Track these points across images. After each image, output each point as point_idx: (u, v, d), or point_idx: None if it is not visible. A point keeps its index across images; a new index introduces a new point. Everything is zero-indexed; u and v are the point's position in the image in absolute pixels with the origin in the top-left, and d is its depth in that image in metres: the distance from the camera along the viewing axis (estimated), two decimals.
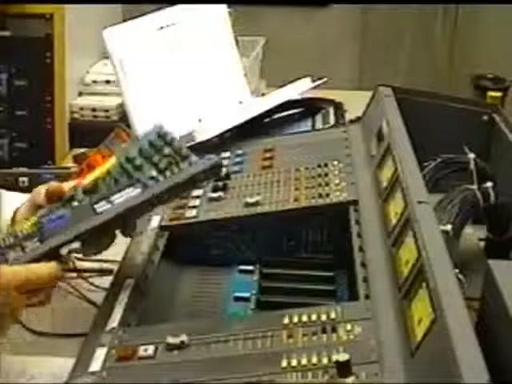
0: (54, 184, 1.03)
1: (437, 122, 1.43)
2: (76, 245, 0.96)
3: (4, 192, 1.19)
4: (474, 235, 1.31)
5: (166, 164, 0.99)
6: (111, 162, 1.02)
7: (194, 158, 0.98)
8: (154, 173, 0.98)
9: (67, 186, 1.03)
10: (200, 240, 1.15)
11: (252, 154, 1.38)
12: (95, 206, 0.98)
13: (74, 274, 1.18)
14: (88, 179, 1.02)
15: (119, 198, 0.98)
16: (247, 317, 1.00)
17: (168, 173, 0.98)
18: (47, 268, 0.89)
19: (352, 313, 0.88)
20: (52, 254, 0.94)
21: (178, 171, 0.98)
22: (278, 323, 0.88)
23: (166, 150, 1.00)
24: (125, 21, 1.68)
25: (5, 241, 0.97)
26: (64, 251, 0.96)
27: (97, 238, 0.97)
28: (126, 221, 0.99)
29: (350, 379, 0.75)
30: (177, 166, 0.98)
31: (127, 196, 0.98)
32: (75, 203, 0.99)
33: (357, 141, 1.35)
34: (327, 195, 1.16)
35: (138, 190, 0.98)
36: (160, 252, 1.10)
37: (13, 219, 1.09)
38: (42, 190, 1.03)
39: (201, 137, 1.48)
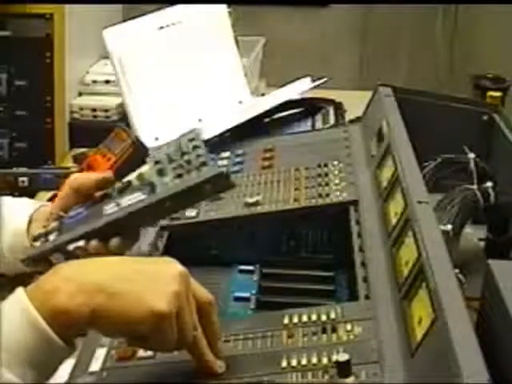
0: (78, 180, 1.08)
1: (437, 122, 1.43)
2: (81, 243, 0.98)
3: (10, 199, 1.19)
4: (474, 235, 1.31)
5: (182, 171, 0.97)
6: (146, 165, 1.01)
7: (204, 168, 0.95)
8: (167, 179, 0.97)
9: (94, 177, 1.07)
10: (200, 240, 1.15)
11: (252, 154, 1.38)
12: (105, 207, 1.00)
13: None
14: (125, 180, 1.02)
15: (126, 202, 0.98)
16: (247, 317, 1.00)
17: (178, 180, 0.96)
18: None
19: (352, 313, 0.88)
20: (60, 250, 0.99)
21: (185, 179, 0.96)
22: (278, 323, 0.88)
23: (186, 157, 0.97)
24: (125, 21, 1.68)
25: (39, 233, 1.03)
26: (71, 247, 0.99)
27: (104, 239, 0.99)
28: (129, 225, 1.00)
29: (350, 379, 0.75)
30: (188, 174, 0.96)
31: (134, 200, 0.98)
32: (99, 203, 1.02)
33: (357, 141, 1.35)
34: (327, 195, 1.16)
35: (143, 196, 0.97)
36: (160, 252, 1.10)
37: (29, 222, 1.10)
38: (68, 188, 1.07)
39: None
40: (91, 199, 1.05)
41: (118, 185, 1.03)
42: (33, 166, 1.58)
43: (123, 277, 0.77)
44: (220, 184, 0.96)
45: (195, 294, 0.79)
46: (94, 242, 0.99)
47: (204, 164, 0.96)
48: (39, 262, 1.03)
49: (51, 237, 1.02)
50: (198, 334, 0.79)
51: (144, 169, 1.01)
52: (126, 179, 1.03)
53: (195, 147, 0.98)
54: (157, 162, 0.99)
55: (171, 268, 0.79)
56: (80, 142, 1.77)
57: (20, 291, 0.75)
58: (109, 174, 1.09)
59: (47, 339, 0.73)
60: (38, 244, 1.02)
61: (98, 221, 0.99)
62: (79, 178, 1.09)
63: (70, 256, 1.00)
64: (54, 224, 1.03)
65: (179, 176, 0.97)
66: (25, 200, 1.21)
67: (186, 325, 0.77)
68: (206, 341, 0.80)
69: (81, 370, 0.86)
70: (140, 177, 1.00)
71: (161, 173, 0.98)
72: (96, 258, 0.85)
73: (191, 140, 0.99)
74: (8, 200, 1.18)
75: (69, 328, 0.74)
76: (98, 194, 1.05)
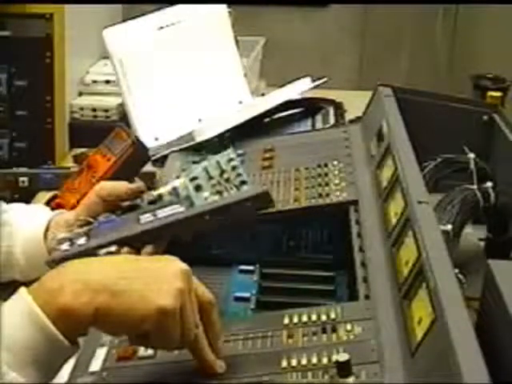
0: (106, 189, 1.08)
1: (437, 122, 1.43)
2: (113, 248, 0.99)
3: (25, 205, 1.19)
4: (474, 235, 1.31)
5: (221, 188, 1.01)
6: (179, 180, 1.05)
7: (245, 186, 1.00)
8: (206, 194, 1.01)
9: (124, 187, 1.08)
10: (200, 240, 1.14)
11: (252, 154, 1.38)
12: (141, 216, 1.02)
13: None
14: (155, 192, 1.05)
15: (163, 213, 1.00)
16: (247, 317, 1.00)
17: (217, 197, 1.00)
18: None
19: (352, 313, 0.88)
20: (90, 254, 0.97)
21: (226, 196, 1.00)
22: (278, 323, 0.88)
23: (226, 175, 1.03)
24: (125, 21, 1.68)
25: (64, 236, 1.03)
26: (102, 252, 0.99)
27: (136, 247, 1.00)
28: (164, 236, 1.01)
29: (350, 379, 0.76)
30: (228, 191, 1.00)
31: (171, 212, 1.00)
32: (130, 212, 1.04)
33: (357, 141, 1.35)
34: (327, 195, 1.16)
35: (182, 208, 1.00)
36: (160, 252, 1.10)
37: (47, 229, 1.10)
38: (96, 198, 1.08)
39: (201, 137, 1.48)
40: (118, 208, 1.07)
41: (147, 196, 1.05)
42: (33, 166, 1.58)
43: (127, 275, 0.77)
44: (261, 203, 0.99)
45: (196, 292, 0.80)
46: (126, 249, 0.99)
47: (244, 183, 1.01)
48: None
49: (80, 241, 1.01)
50: (199, 332, 0.79)
51: (177, 184, 1.04)
52: (156, 192, 1.05)
53: (234, 167, 1.04)
54: (193, 179, 1.03)
55: (174, 266, 0.80)
56: (80, 142, 1.77)
57: (23, 290, 0.75)
58: (141, 184, 1.10)
59: (52, 338, 0.73)
60: (62, 247, 1.02)
61: (134, 229, 1.00)
62: (107, 187, 1.09)
63: None
64: (80, 229, 1.03)
65: (218, 193, 1.01)
66: (40, 207, 1.21)
67: (188, 323, 0.77)
68: (207, 340, 0.81)
69: (81, 370, 0.86)
70: (173, 191, 1.03)
71: (198, 189, 1.02)
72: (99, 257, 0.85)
73: (230, 160, 1.05)
74: (21, 206, 1.18)
75: (73, 327, 0.74)
76: (126, 203, 1.05)
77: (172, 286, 0.77)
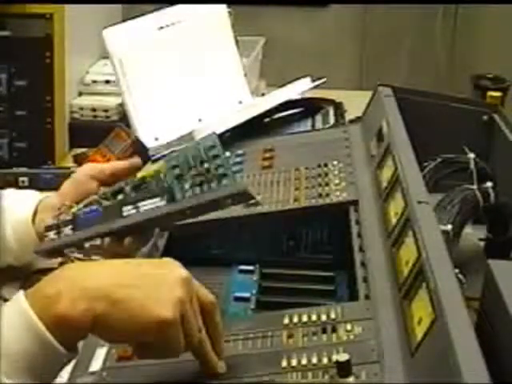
0: (96, 167, 1.11)
1: (437, 122, 1.43)
2: (97, 241, 1.00)
3: (14, 190, 1.20)
4: (474, 235, 1.30)
5: (201, 179, 0.98)
6: (162, 164, 1.02)
7: (225, 180, 0.97)
8: (187, 185, 0.99)
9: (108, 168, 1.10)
10: (200, 240, 1.14)
11: (252, 154, 1.38)
12: (123, 208, 1.01)
13: None
14: (138, 175, 1.05)
15: (145, 206, 1.00)
16: (247, 317, 1.00)
17: (198, 189, 0.98)
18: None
19: (352, 313, 0.88)
20: (76, 246, 1.01)
21: (207, 190, 0.98)
22: (278, 323, 0.88)
23: (206, 165, 0.98)
24: (125, 21, 1.68)
25: (52, 223, 1.04)
26: (86, 245, 1.01)
27: (119, 239, 1.01)
28: (146, 229, 1.03)
29: (350, 379, 0.75)
30: (208, 184, 0.98)
31: (153, 206, 1.00)
32: (107, 202, 1.03)
33: (357, 141, 1.35)
34: (327, 195, 1.16)
35: (163, 202, 0.99)
36: (160, 252, 1.10)
37: (35, 213, 1.13)
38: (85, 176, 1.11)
39: (201, 137, 1.47)
40: (105, 185, 1.08)
41: (131, 180, 1.04)
42: (33, 166, 1.58)
43: (126, 282, 0.76)
44: (241, 199, 0.99)
45: (198, 294, 0.79)
46: (108, 241, 1.00)
47: (224, 176, 0.97)
48: (53, 255, 1.04)
49: (65, 230, 1.02)
50: (203, 335, 0.79)
51: (159, 167, 1.02)
52: (139, 175, 1.04)
53: (215, 156, 0.99)
54: (174, 167, 1.00)
55: (174, 272, 0.78)
56: (80, 142, 1.77)
57: (20, 295, 0.74)
58: (136, 160, 1.12)
59: (48, 345, 0.72)
60: (50, 235, 1.03)
61: (116, 222, 1.01)
62: (97, 165, 1.10)
63: (84, 252, 1.02)
64: (67, 216, 1.04)
65: (199, 185, 0.98)
66: (29, 191, 1.22)
67: (191, 330, 0.77)
68: (210, 341, 0.80)
69: (81, 370, 0.86)
70: (155, 177, 1.01)
71: (179, 178, 0.99)
72: (99, 260, 0.85)
73: (210, 148, 0.99)
74: (12, 191, 1.19)
75: (71, 334, 0.73)
76: (110, 189, 1.05)
77: (172, 294, 0.75)
